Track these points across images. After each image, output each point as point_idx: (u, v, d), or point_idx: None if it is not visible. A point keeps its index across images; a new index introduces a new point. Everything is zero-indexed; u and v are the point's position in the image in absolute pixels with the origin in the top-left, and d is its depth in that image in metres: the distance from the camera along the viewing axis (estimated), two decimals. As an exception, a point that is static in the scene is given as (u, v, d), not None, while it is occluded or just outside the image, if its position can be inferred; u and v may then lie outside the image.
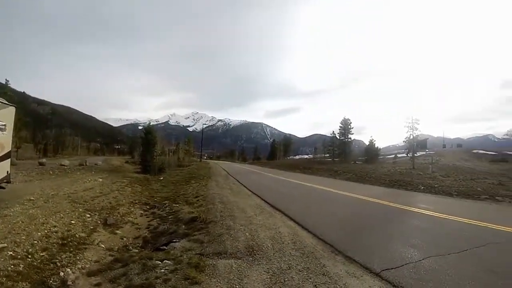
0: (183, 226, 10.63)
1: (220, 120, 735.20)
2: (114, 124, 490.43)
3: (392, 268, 5.78)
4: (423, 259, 6.28)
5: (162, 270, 6.10)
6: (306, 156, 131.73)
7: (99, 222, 12.31)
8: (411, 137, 46.72)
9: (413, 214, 11.68)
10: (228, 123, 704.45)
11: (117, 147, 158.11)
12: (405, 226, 9.81)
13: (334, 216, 11.24)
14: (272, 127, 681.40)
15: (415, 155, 46.17)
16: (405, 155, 55.83)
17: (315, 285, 5.20)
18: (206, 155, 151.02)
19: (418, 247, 7.11)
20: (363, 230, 8.99)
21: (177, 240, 8.74)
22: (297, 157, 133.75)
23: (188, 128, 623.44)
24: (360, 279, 5.42)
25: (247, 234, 8.32)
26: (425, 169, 35.25)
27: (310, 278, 5.46)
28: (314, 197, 16.63)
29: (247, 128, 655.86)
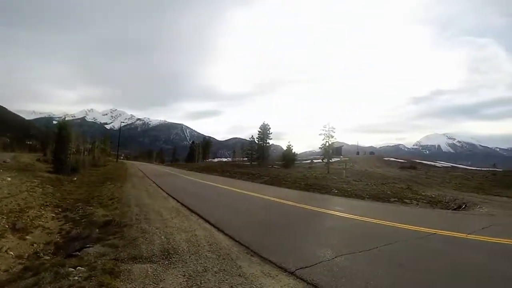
0: (97, 230, 10.15)
1: (140, 119, 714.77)
2: (27, 117, 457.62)
3: (306, 267, 5.92)
4: (336, 257, 6.52)
5: (76, 278, 5.74)
6: (224, 159, 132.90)
7: (7, 226, 11.35)
8: (327, 144, 48.75)
9: (327, 215, 12.24)
10: (148, 123, 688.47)
11: (29, 142, 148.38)
12: (319, 227, 10.28)
13: (250, 218, 11.40)
14: (192, 129, 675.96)
15: (331, 161, 48.12)
16: (321, 161, 57.91)
17: (231, 286, 5.16)
18: (123, 155, 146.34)
19: (332, 246, 7.39)
20: (278, 232, 9.19)
21: (91, 245, 8.32)
22: (215, 160, 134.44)
23: (106, 126, 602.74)
24: (276, 279, 5.49)
25: (162, 237, 8.12)
26: (339, 174, 36.90)
27: (226, 280, 5.41)
28: (231, 200, 16.74)
29: (167, 128, 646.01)
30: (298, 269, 5.83)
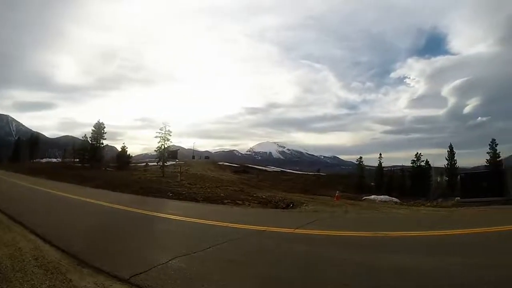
0: None
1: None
2: None
3: (141, 273, 5.87)
4: (171, 260, 6.63)
5: None
6: (54, 160, 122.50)
7: None
8: (163, 147, 48.66)
9: (162, 219, 12.45)
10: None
11: None
12: (155, 231, 10.44)
13: (81, 226, 10.73)
14: (19, 122, 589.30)
15: (166, 164, 48.22)
16: (156, 164, 57.69)
17: (61, 303, 4.89)
18: None
19: (167, 250, 7.64)
20: (112, 239, 8.98)
21: None
22: (44, 160, 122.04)
23: None
24: (109, 289, 5.34)
25: (-19, 255, 7.31)
26: (174, 177, 37.39)
27: (56, 296, 5.09)
28: (60, 206, 15.65)
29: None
30: (132, 276, 5.74)
